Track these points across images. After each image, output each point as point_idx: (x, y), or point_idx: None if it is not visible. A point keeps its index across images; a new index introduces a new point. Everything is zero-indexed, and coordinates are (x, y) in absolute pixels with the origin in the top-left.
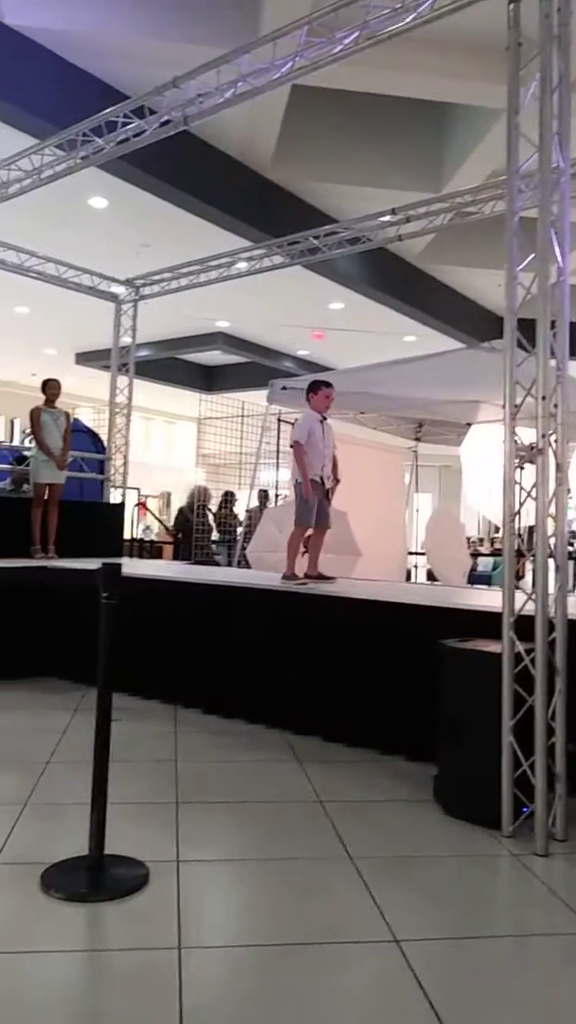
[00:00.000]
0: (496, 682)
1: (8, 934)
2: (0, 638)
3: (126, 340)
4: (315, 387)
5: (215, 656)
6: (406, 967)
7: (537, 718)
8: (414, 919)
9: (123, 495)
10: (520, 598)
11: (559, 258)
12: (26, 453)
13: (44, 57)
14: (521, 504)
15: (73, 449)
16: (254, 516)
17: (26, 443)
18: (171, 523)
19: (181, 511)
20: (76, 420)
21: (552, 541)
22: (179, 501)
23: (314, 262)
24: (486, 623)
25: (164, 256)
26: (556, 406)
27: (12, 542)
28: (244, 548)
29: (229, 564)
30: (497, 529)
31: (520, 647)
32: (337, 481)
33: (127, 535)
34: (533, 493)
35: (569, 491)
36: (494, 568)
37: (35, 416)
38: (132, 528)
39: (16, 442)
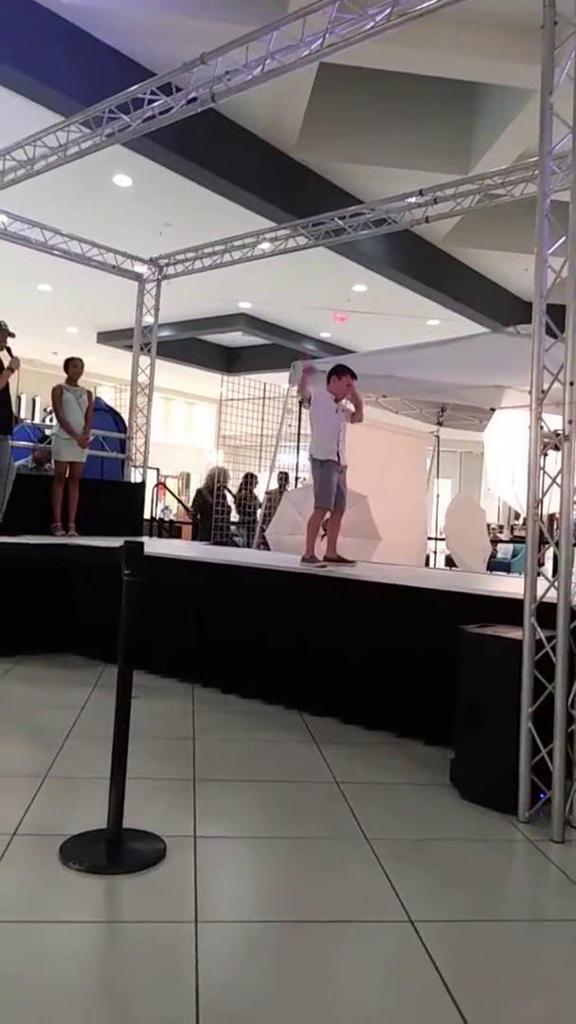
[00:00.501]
0: (516, 669)
1: (27, 904)
2: (20, 614)
3: (148, 320)
4: (340, 372)
5: (233, 636)
6: (420, 947)
7: (557, 705)
8: (429, 900)
9: (143, 475)
10: (542, 585)
11: None
12: (48, 431)
13: (70, 33)
14: (545, 491)
15: (95, 428)
16: (274, 498)
17: (47, 421)
18: (189, 504)
19: (199, 492)
20: (98, 399)
21: None
22: (197, 482)
23: (338, 243)
24: (506, 609)
25: (187, 235)
26: None
27: (33, 520)
28: (263, 530)
29: (248, 545)
30: (518, 516)
31: (541, 634)
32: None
33: (146, 515)
34: (558, 480)
35: None
36: (514, 555)
37: (57, 394)
38: (152, 508)
39: (38, 420)
